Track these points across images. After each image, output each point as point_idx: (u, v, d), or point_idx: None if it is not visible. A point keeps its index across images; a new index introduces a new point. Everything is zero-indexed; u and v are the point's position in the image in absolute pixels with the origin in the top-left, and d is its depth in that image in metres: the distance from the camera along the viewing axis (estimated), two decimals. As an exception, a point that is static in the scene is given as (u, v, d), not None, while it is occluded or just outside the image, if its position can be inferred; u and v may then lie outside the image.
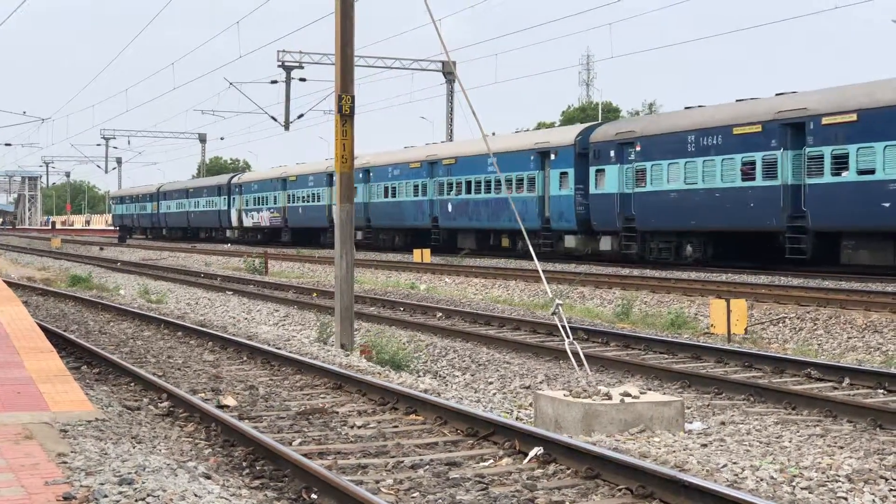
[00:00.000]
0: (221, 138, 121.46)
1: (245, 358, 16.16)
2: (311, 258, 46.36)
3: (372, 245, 55.01)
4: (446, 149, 51.15)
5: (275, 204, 68.42)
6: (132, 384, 13.63)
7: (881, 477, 8.67)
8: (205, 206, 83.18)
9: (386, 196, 54.19)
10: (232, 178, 79.84)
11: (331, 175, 55.46)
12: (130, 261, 51.32)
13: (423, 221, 50.49)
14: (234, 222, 76.19)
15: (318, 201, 61.29)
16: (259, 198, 71.61)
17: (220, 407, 11.84)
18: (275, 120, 63.35)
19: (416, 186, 51.15)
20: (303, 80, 62.24)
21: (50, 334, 17.40)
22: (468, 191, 46.85)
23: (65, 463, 7.98)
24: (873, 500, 8.10)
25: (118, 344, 18.10)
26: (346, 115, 17.47)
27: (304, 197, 63.91)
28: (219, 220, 79.74)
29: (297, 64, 61.34)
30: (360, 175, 53.67)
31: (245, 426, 10.32)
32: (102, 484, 7.28)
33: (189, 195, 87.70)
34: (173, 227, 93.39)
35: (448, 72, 62.99)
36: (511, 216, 42.34)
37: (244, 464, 9.35)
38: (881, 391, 13.29)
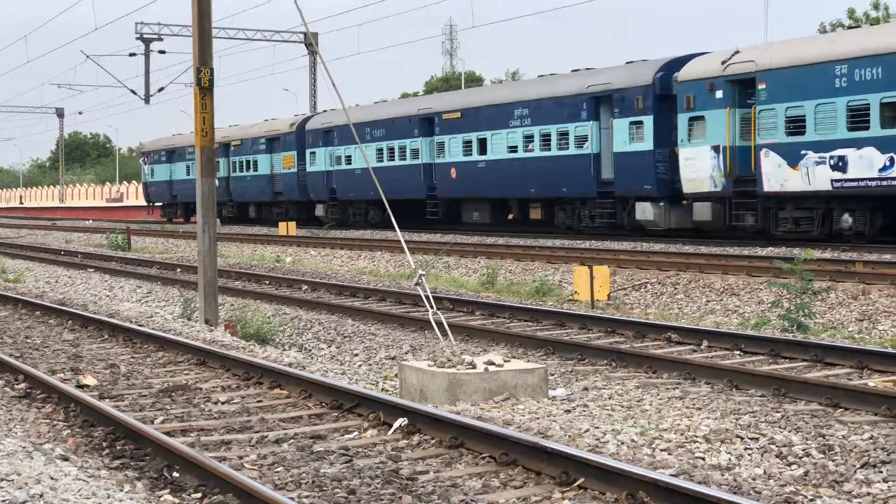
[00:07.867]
0: (80, 113, 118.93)
1: (106, 336, 15.85)
2: (174, 233, 45.68)
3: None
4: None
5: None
6: (-13, 366, 13.25)
7: (737, 436, 8.89)
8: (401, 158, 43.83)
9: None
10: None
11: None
12: (-13, 239, 49.93)
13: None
14: None
15: None
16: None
17: (80, 387, 11.60)
18: (135, 93, 62.15)
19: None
20: (162, 52, 61.34)
21: None
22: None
23: (-86, 449, 7.74)
24: (729, 459, 8.31)
25: (-27, 325, 17.59)
26: (205, 88, 17.19)
27: None
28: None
29: (156, 36, 60.26)
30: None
31: (105, 405, 10.12)
32: (-46, 470, 7.08)
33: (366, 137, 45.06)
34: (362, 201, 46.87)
35: (309, 43, 62.49)
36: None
37: (104, 444, 9.17)
38: (737, 352, 13.62)
